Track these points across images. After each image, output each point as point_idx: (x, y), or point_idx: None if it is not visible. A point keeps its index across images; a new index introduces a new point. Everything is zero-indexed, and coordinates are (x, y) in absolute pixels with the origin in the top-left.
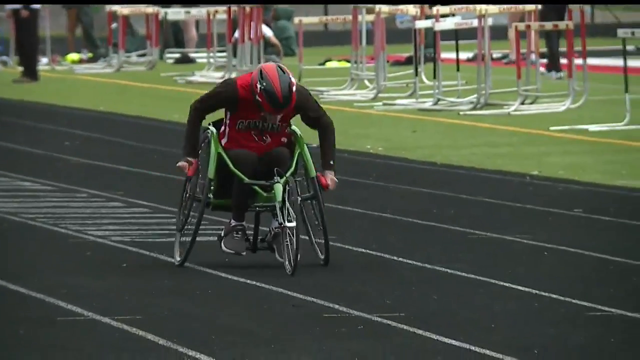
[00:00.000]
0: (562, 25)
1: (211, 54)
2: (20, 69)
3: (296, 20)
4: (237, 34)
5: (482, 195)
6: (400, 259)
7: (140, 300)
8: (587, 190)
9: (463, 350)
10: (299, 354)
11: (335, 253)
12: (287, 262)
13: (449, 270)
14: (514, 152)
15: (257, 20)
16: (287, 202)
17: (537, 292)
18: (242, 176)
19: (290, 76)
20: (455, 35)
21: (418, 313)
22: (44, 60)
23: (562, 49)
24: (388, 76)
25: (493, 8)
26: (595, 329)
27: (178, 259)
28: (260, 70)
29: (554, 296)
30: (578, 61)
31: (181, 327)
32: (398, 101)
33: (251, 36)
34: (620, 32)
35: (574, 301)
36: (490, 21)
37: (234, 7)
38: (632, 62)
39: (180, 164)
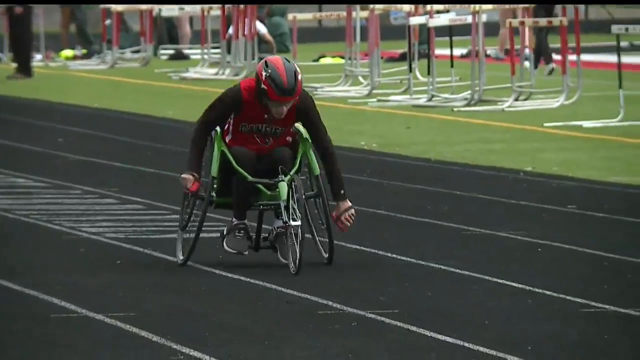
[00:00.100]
0: (556, 21)
1: (205, 51)
2: (14, 65)
3: (290, 16)
4: (231, 31)
5: (476, 192)
6: (394, 255)
7: (134, 297)
8: (581, 186)
9: (457, 346)
10: (293, 351)
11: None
12: (291, 262)
13: (443, 267)
14: (508, 148)
15: (251, 16)
16: (291, 200)
17: (531, 288)
18: (246, 174)
19: (296, 66)
20: (449, 31)
21: (412, 310)
22: (37, 56)
23: (556, 45)
24: (382, 72)
25: (487, 6)
26: (589, 325)
27: (181, 257)
28: (265, 61)
29: (548, 293)
30: (572, 57)
31: (175, 323)
32: (392, 97)
33: (245, 33)
34: (614, 28)
35: (568, 297)
36: (484, 17)
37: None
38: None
39: (184, 175)
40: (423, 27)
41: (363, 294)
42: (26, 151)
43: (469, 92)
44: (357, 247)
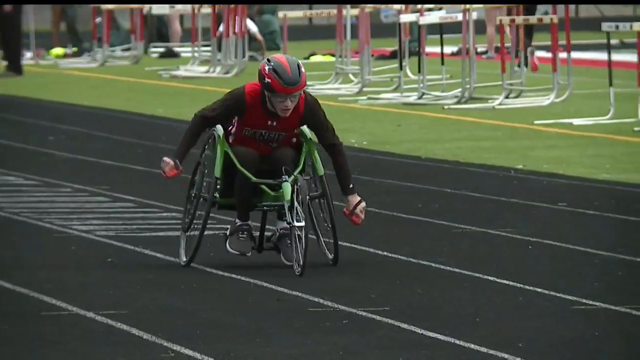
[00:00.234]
0: (546, 19)
1: (196, 48)
2: (5, 63)
3: (281, 14)
4: (221, 28)
5: (467, 189)
6: (385, 253)
7: (125, 294)
8: (571, 184)
9: (448, 344)
10: (283, 348)
11: (318, 248)
12: (295, 263)
13: (433, 264)
14: (499, 146)
15: (242, 14)
16: (295, 201)
17: (521, 285)
18: (249, 175)
19: (299, 61)
20: (440, 29)
21: (403, 307)
22: (28, 54)
23: (547, 42)
24: (373, 70)
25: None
26: (579, 322)
27: (184, 259)
28: (268, 58)
29: (539, 290)
30: (562, 55)
31: (165, 321)
32: (383, 95)
33: (236, 30)
34: (605, 26)
35: (558, 295)
36: (474, 15)
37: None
38: (616, 56)
39: (166, 159)
40: (414, 25)
41: (354, 292)
42: (16, 149)
43: (460, 89)
44: (348, 244)
